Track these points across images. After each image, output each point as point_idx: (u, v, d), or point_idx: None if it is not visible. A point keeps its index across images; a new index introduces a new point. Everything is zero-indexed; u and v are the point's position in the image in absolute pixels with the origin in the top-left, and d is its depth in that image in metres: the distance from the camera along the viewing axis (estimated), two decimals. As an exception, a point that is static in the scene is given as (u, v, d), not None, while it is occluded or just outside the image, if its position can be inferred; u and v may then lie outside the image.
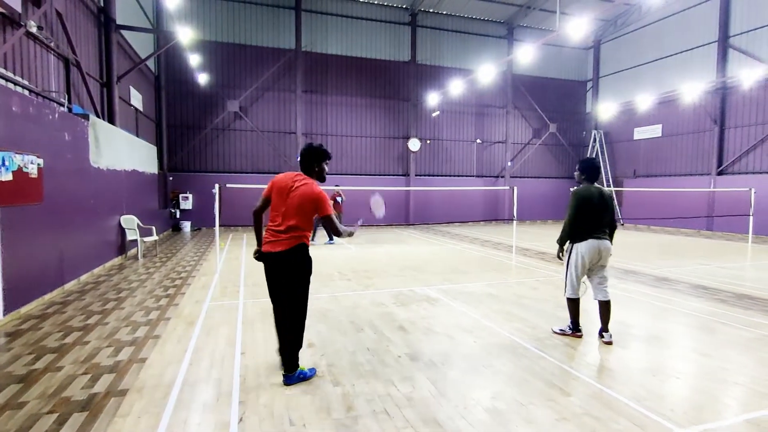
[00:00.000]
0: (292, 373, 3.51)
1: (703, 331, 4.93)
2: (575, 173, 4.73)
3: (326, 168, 3.68)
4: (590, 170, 4.57)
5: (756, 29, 15.72)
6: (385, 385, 3.49)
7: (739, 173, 16.44)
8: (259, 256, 3.59)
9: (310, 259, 3.54)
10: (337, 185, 14.32)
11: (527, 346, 4.41)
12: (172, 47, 15.17)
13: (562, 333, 4.72)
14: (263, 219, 3.68)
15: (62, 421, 2.91)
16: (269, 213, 3.57)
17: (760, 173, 15.72)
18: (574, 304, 4.65)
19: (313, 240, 12.49)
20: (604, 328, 4.54)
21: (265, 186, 3.62)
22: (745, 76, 15.08)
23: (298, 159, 3.69)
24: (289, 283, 3.48)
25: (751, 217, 12.93)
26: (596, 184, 4.61)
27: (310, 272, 3.55)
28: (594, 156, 22.03)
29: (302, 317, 3.57)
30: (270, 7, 18.09)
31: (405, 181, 20.26)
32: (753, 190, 13.06)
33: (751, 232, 13.26)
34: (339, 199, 14.39)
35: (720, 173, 17.04)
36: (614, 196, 20.99)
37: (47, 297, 6.12)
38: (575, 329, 4.68)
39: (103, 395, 3.29)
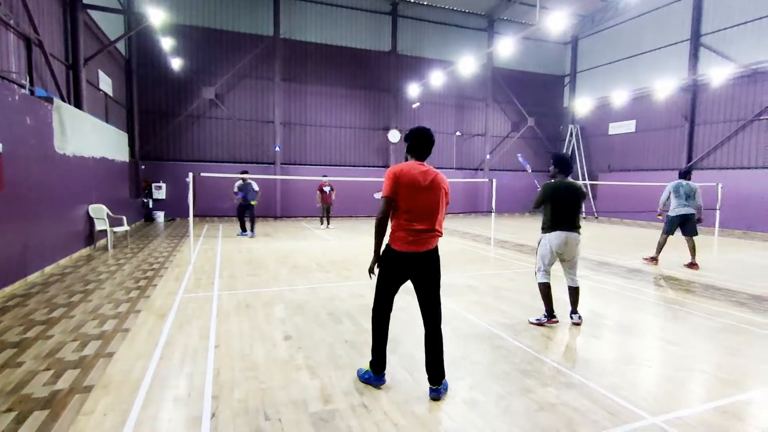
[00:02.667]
0: (441, 385, 3.12)
1: (673, 321, 5.07)
2: (549, 168, 4.92)
3: None
4: (563, 164, 4.78)
5: (726, 29, 16.20)
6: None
7: (708, 168, 17.02)
8: (394, 255, 3.12)
9: None
10: (324, 175, 14.18)
11: (505, 336, 4.43)
12: (144, 30, 14.55)
13: (539, 323, 4.80)
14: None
15: (21, 420, 2.75)
16: (398, 213, 3.10)
17: (727, 168, 16.32)
18: (545, 290, 4.82)
19: (251, 232, 12.24)
20: (573, 310, 4.89)
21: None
22: (715, 74, 15.55)
23: (409, 144, 3.25)
24: (433, 282, 3.17)
25: (717, 211, 13.41)
26: (570, 179, 4.83)
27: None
28: (570, 150, 22.45)
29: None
30: (247, -8, 17.58)
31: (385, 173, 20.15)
32: (720, 185, 13.54)
33: (718, 225, 13.77)
34: (326, 189, 14.27)
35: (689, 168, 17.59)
36: (588, 190, 21.53)
37: (8, 290, 5.81)
38: (550, 316, 4.82)
39: (67, 392, 3.13)
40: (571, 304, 4.89)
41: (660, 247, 8.57)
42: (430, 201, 3.09)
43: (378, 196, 3.73)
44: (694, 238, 8.13)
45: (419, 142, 3.19)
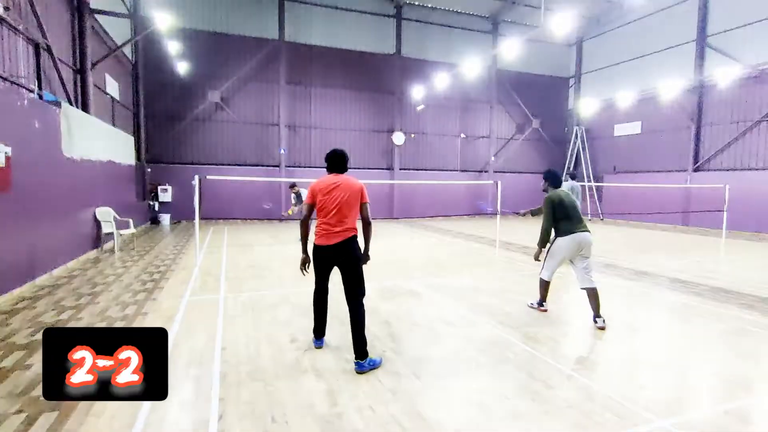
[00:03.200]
0: (365, 359, 3.63)
1: (681, 324, 5.03)
2: (542, 183, 5.37)
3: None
4: (552, 178, 5.24)
5: (732, 29, 16.09)
6: (369, 380, 3.45)
7: (714, 170, 16.89)
8: (314, 249, 3.90)
9: (359, 247, 3.88)
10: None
11: (511, 339, 4.42)
12: (150, 34, 14.66)
13: (532, 307, 5.49)
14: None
15: (31, 422, 2.78)
16: (317, 214, 3.91)
17: (734, 170, 16.18)
18: (545, 285, 5.31)
19: None
20: (596, 314, 4.83)
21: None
22: (721, 75, 15.45)
23: (328, 164, 4.06)
24: (349, 271, 3.79)
25: (725, 213, 13.30)
26: (562, 188, 5.23)
27: (360, 258, 3.88)
28: (575, 152, 22.37)
29: (363, 298, 3.86)
30: (252, -4, 17.68)
31: (389, 175, 20.19)
32: (727, 187, 13.42)
33: (725, 227, 13.65)
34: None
35: (696, 170, 17.47)
36: (594, 191, 21.44)
37: (16, 292, 5.87)
38: (540, 305, 5.41)
39: (75, 394, 3.15)
40: (592, 309, 4.84)
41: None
42: (336, 203, 3.77)
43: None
44: None
45: (330, 161, 4.02)
